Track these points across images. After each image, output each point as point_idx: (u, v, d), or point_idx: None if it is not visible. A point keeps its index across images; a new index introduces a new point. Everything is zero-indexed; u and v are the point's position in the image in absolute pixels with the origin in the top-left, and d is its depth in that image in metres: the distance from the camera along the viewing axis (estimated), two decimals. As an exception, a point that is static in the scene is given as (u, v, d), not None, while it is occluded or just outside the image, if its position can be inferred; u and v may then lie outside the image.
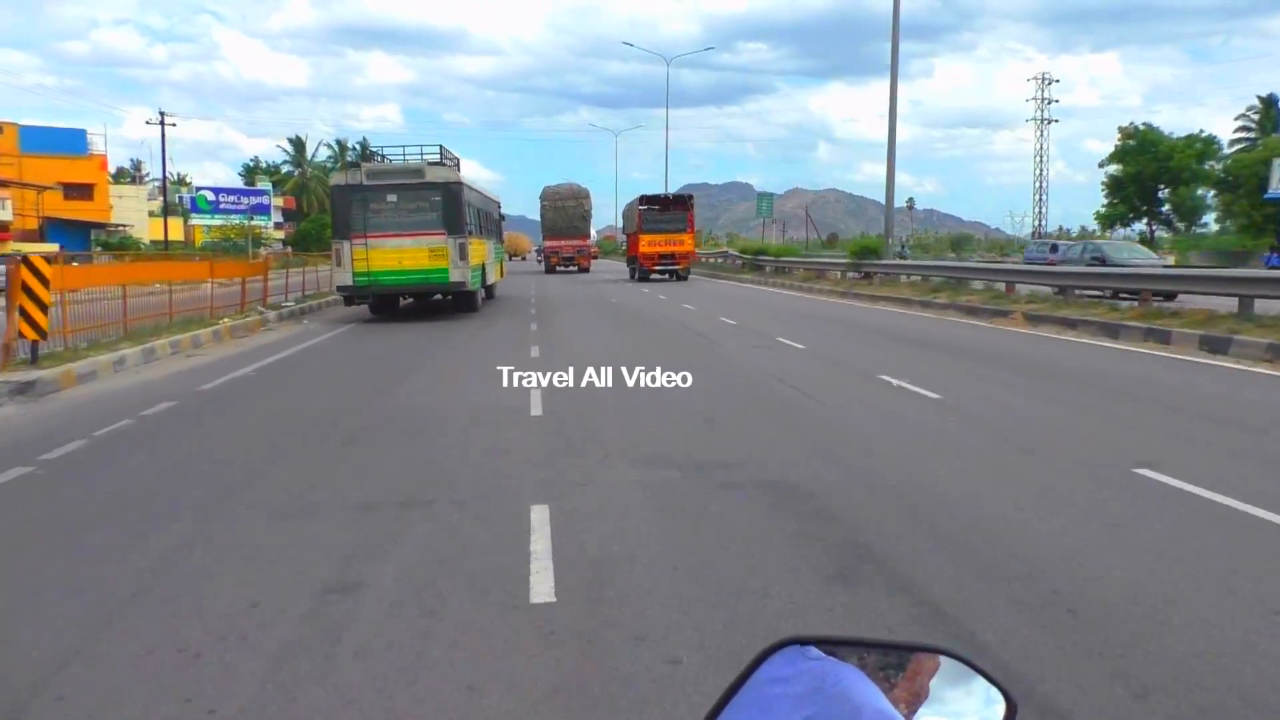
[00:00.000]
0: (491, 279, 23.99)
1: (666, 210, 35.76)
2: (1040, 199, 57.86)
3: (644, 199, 36.47)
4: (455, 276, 18.54)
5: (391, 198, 18.42)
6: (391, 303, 20.28)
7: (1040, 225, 57.57)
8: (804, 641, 1.00)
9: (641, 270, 35.32)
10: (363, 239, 18.22)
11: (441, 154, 19.50)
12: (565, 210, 46.68)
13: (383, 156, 19.85)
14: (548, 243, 48.35)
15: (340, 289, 18.82)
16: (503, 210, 27.67)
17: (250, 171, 67.66)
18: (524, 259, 79.51)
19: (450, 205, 18.48)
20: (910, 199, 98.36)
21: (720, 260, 48.62)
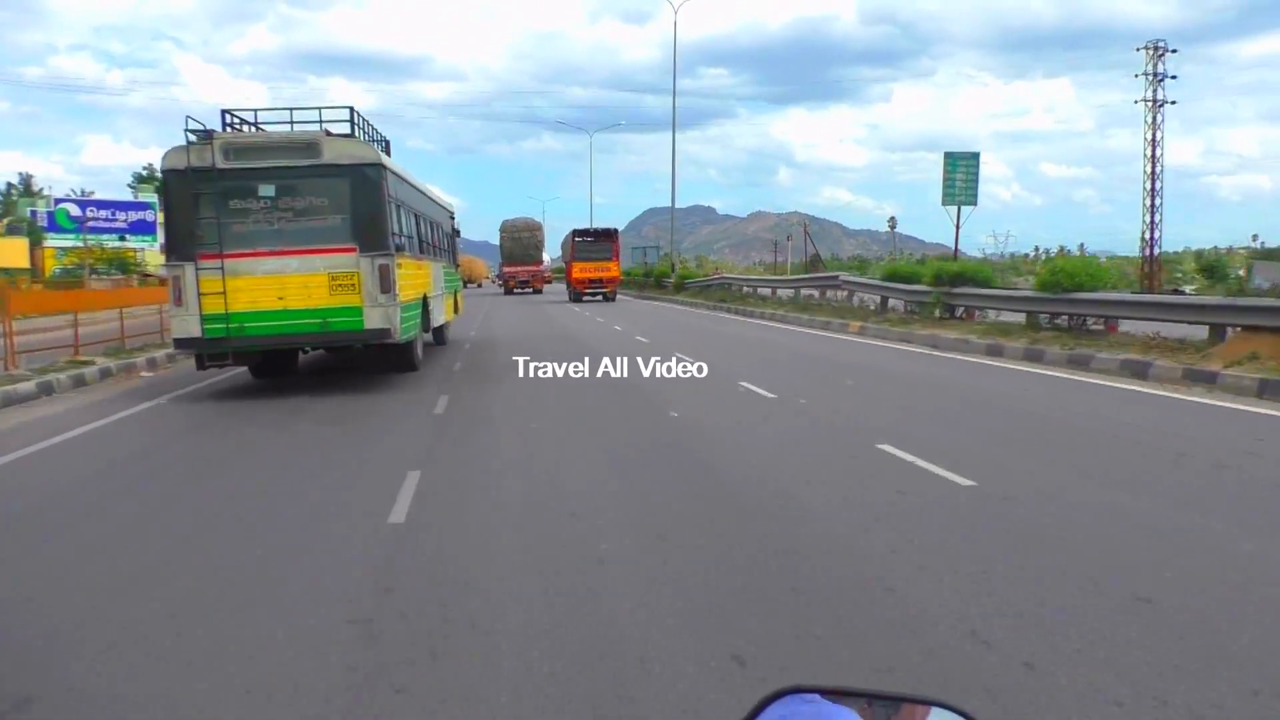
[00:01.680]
0: (441, 318, 16.53)
1: (596, 241, 40.35)
2: (1154, 205, 43.84)
3: (576, 232, 41.28)
4: (375, 321, 11.16)
5: (266, 191, 11.03)
6: (279, 360, 12.82)
7: (1155, 237, 47.62)
8: (803, 690, 0.99)
9: (575, 293, 39.63)
10: (217, 260, 10.81)
11: (353, 121, 12.11)
12: (521, 240, 52.91)
13: (254, 124, 12.37)
14: (506, 268, 54.25)
15: (180, 344, 11.29)
16: (458, 224, 20.21)
17: (141, 181, 56.50)
18: (480, 285, 72.38)
19: (366, 203, 11.14)
20: (892, 218, 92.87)
21: (814, 295, 27.08)
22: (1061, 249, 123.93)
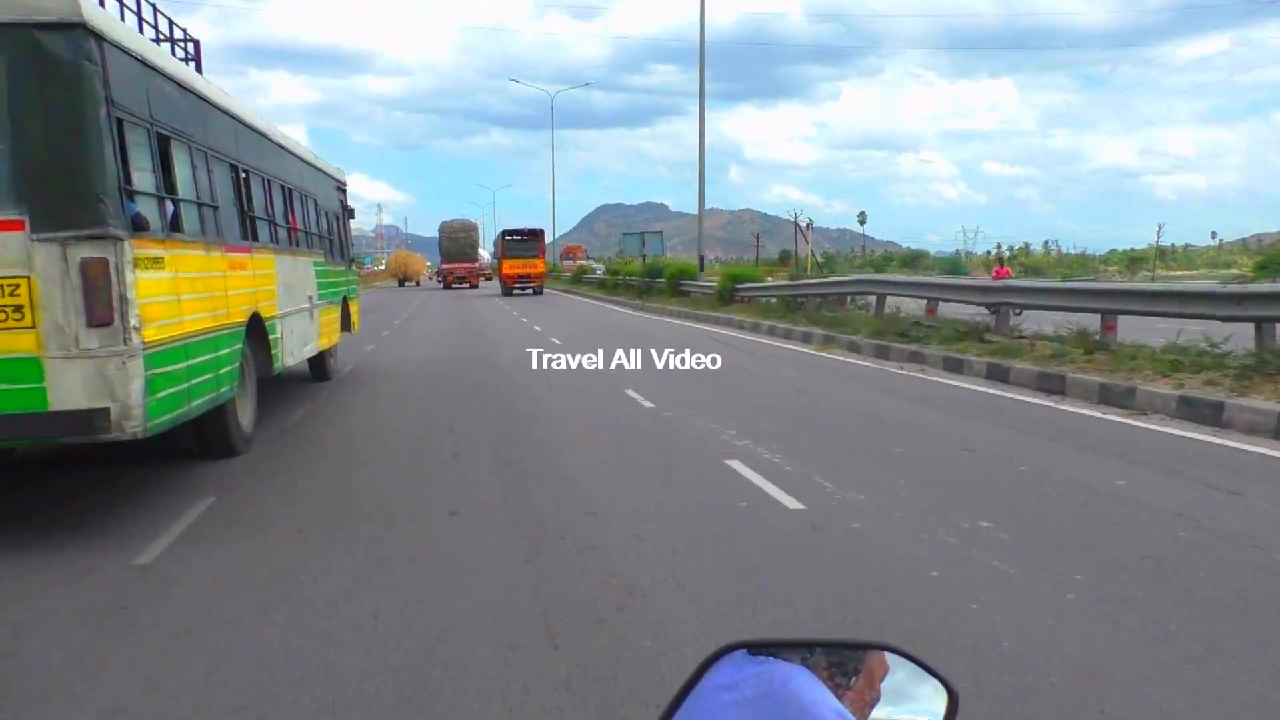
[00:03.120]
0: (312, 344, 10.14)
1: (524, 241, 43.33)
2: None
3: (506, 232, 44.39)
4: (72, 392, 4.83)
5: None
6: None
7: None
8: (748, 645, 0.96)
9: (506, 287, 42.08)
10: None
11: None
12: (458, 240, 55.73)
13: None
14: (445, 265, 56.44)
15: None
16: (347, 195, 13.65)
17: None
18: (418, 284, 65.66)
19: (48, 114, 4.85)
20: (862, 212, 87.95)
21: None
22: (1024, 247, 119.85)
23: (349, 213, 13.37)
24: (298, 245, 9.73)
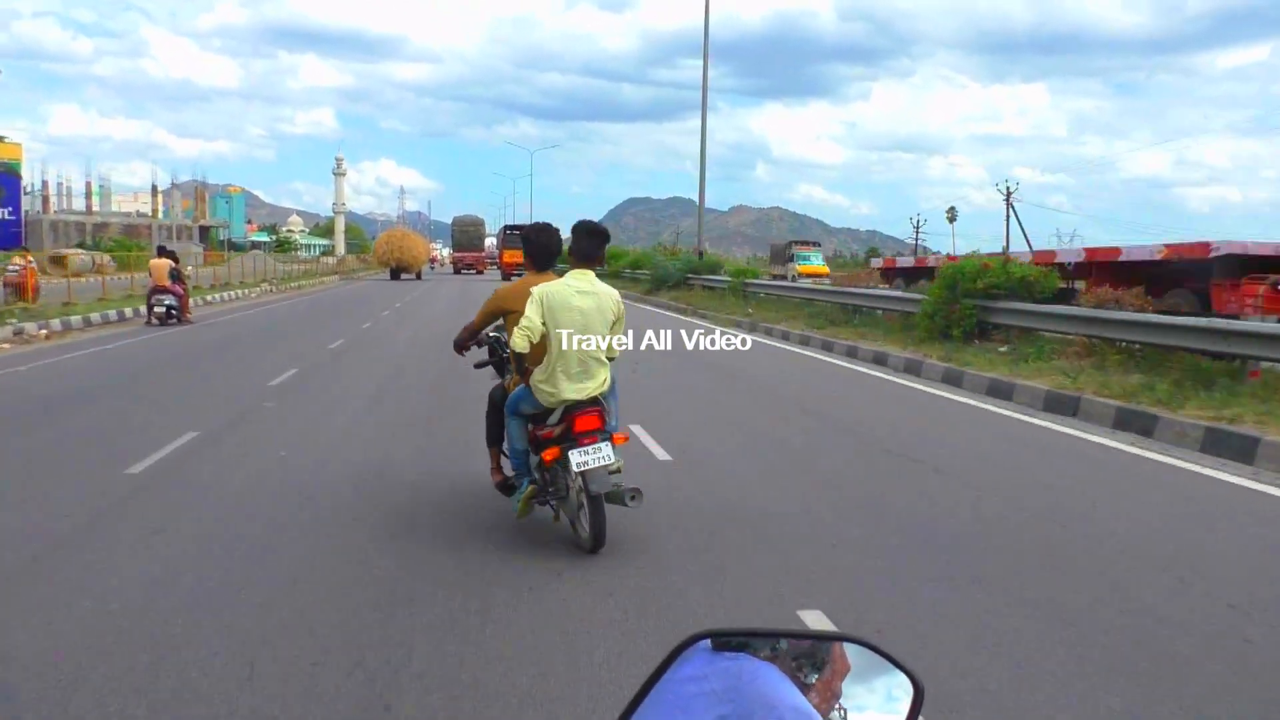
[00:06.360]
0: None
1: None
2: None
3: (507, 227, 56.02)
4: None
5: None
6: None
7: None
8: (716, 634, 0.96)
9: (505, 274, 48.07)
10: None
11: None
12: (468, 233, 67.05)
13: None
14: (456, 254, 68.88)
15: None
16: None
17: None
18: (417, 276, 52.47)
19: None
20: (951, 208, 75.54)
21: None
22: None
23: None
24: None
